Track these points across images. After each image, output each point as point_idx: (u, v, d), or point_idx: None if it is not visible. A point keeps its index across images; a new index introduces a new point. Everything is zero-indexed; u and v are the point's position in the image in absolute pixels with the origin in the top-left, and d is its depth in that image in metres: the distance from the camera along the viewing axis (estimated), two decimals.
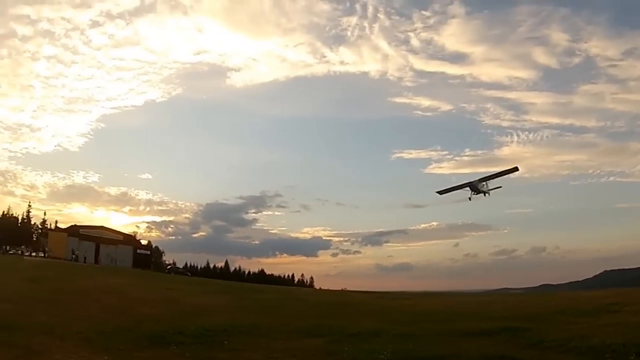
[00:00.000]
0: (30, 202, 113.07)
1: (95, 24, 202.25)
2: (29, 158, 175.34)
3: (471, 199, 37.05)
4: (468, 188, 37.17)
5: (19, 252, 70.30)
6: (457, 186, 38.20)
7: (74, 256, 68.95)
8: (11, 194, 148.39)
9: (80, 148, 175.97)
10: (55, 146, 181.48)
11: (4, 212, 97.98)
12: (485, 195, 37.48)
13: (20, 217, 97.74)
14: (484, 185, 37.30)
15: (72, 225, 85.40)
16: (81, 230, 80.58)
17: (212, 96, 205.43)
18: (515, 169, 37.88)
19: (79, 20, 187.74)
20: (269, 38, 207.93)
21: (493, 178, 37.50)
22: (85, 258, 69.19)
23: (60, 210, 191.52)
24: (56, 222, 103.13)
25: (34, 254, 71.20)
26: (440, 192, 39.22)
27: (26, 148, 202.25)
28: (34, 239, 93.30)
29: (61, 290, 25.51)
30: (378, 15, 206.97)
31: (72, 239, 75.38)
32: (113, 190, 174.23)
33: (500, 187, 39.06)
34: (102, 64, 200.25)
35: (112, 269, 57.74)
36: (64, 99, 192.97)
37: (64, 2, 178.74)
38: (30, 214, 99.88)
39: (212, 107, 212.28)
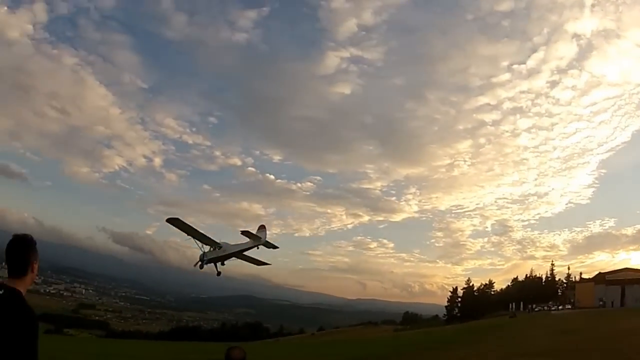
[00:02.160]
0: (552, 261, 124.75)
1: (553, 84, 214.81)
2: (543, 222, 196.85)
3: (220, 273, 29.20)
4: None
5: (545, 307, 76.70)
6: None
7: (601, 303, 71.01)
8: (531, 257, 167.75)
9: (590, 199, 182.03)
10: (566, 204, 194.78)
11: (526, 274, 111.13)
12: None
13: (543, 276, 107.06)
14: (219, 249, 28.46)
15: (597, 274, 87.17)
16: (606, 276, 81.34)
17: None
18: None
19: (536, 88, 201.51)
20: None
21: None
22: (612, 303, 71.64)
23: (582, 262, 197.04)
24: (580, 273, 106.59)
25: (560, 307, 75.93)
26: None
27: (538, 214, 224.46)
28: (559, 293, 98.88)
29: (588, 338, 25.74)
30: None
31: (599, 286, 77.31)
32: (629, 231, 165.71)
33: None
34: (579, 115, 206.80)
35: (637, 309, 54.76)
36: (559, 160, 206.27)
37: (515, 80, 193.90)
38: (554, 271, 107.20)
39: None
